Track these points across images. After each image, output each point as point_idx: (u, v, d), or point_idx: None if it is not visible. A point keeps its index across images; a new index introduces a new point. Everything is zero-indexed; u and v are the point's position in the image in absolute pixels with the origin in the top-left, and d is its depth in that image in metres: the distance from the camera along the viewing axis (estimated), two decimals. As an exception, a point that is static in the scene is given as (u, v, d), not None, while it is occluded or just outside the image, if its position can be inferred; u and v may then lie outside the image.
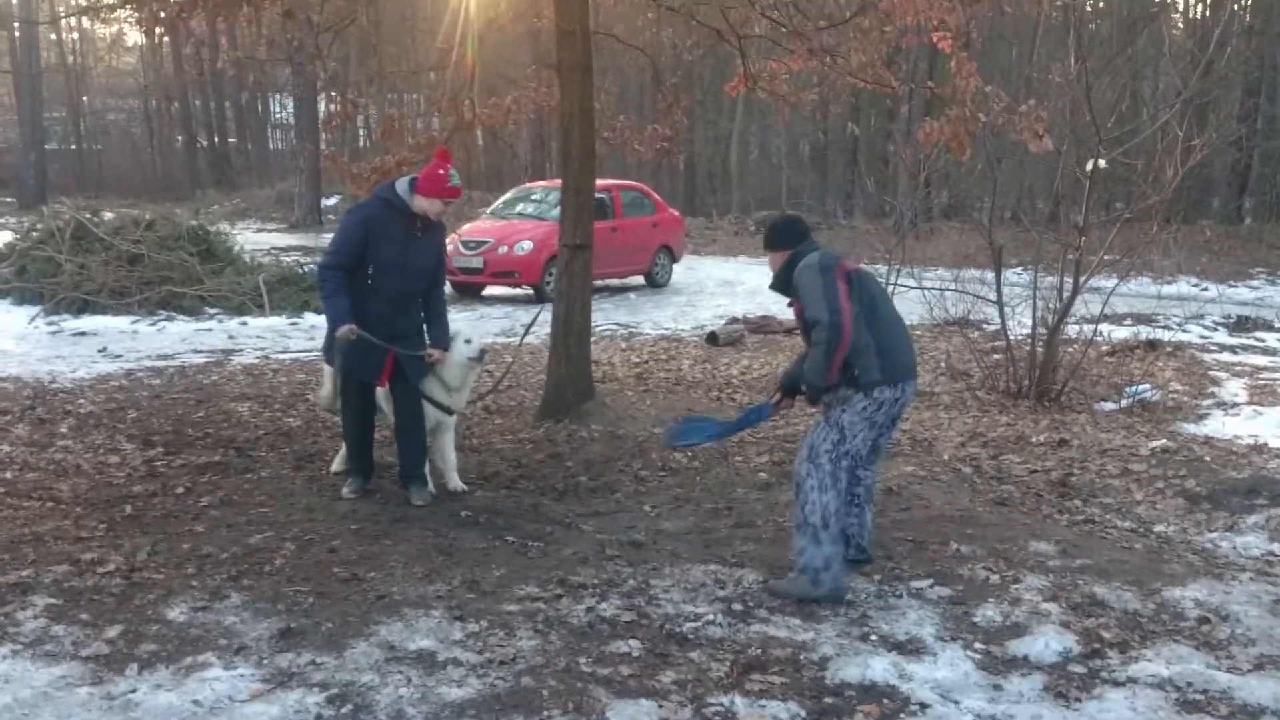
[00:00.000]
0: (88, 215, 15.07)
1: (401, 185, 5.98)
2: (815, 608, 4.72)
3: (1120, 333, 12.16)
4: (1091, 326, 9.69)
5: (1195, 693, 3.96)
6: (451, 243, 16.28)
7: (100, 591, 4.75)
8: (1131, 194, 10.67)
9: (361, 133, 39.28)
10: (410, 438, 6.25)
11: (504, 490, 6.52)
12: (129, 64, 52.72)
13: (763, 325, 13.12)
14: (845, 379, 4.75)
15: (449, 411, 6.43)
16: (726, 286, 18.57)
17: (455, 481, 6.50)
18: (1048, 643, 4.31)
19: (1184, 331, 13.15)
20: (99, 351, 11.51)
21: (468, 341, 6.36)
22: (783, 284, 4.96)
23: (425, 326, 6.23)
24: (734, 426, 5.79)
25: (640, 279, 18.56)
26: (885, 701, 3.90)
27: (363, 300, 5.89)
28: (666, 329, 13.75)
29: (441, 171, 5.91)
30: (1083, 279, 9.04)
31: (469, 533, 5.66)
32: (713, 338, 12.29)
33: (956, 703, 3.90)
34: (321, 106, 31.15)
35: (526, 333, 9.13)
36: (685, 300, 17.06)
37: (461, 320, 13.86)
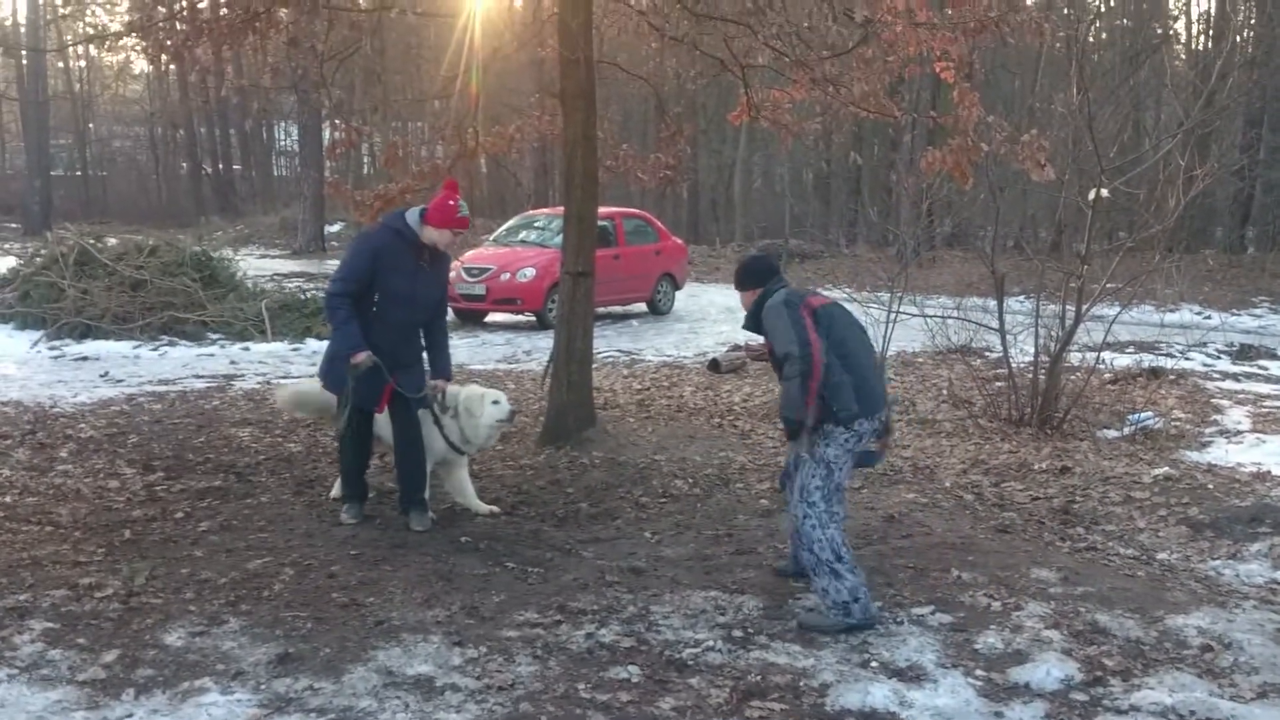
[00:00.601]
0: (91, 241, 15.12)
1: (411, 216, 6.00)
2: (815, 635, 4.70)
3: (1123, 360, 12.15)
4: (1094, 354, 9.69)
5: (1198, 721, 3.94)
6: (454, 270, 16.31)
7: (98, 616, 4.74)
8: (1134, 223, 10.67)
9: (366, 160, 39.40)
10: (409, 464, 6.25)
11: (504, 516, 6.50)
12: (135, 92, 52.95)
13: (765, 353, 13.09)
14: (825, 416, 4.77)
15: (460, 452, 6.44)
16: (729, 314, 18.55)
17: (481, 506, 6.54)
18: (1049, 670, 4.29)
19: (1187, 359, 13.14)
20: (101, 376, 11.51)
21: (496, 403, 6.40)
22: (754, 322, 5.08)
23: (427, 355, 6.25)
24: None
25: (643, 306, 18.58)
26: (886, 729, 3.88)
27: (366, 328, 5.91)
28: (669, 356, 13.75)
29: (451, 203, 5.95)
30: (1085, 307, 9.05)
31: (468, 558, 5.65)
32: (715, 365, 12.28)
33: (958, 730, 3.88)
34: (326, 134, 31.30)
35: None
36: (687, 328, 17.07)
37: (464, 347, 13.89)
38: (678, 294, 19.34)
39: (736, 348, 13.46)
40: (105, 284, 14.22)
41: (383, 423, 6.35)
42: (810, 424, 4.75)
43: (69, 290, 14.06)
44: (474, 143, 9.07)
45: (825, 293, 5.43)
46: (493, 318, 17.26)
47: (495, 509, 6.55)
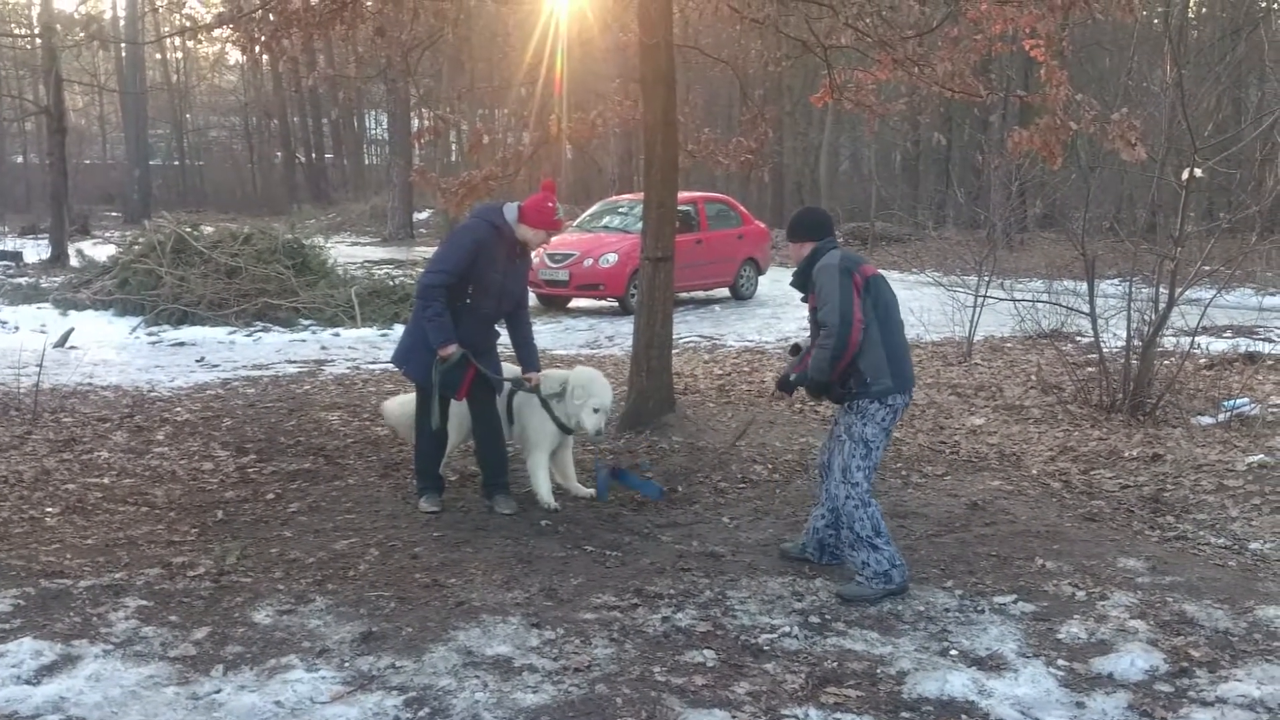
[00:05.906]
0: (188, 229, 15.54)
1: (509, 211, 6.06)
2: (895, 621, 4.66)
3: (1218, 345, 11.80)
4: (1189, 339, 9.43)
5: (1289, 716, 3.83)
6: (537, 255, 16.42)
7: (190, 594, 4.89)
8: (1232, 203, 10.36)
9: (454, 147, 39.85)
10: (491, 449, 6.33)
11: (583, 500, 6.54)
12: (230, 82, 54.25)
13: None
14: (860, 390, 4.88)
15: (568, 431, 6.48)
16: (813, 299, 18.42)
17: (581, 489, 6.61)
18: (1134, 660, 4.20)
19: (1287, 344, 12.71)
20: (197, 361, 11.84)
21: (596, 410, 6.30)
22: (802, 279, 5.08)
23: (515, 351, 6.36)
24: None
25: (726, 291, 18.53)
26: (964, 717, 3.84)
27: (456, 319, 5.99)
28: (750, 341, 13.69)
29: (550, 205, 6.05)
30: (1179, 290, 8.80)
31: (548, 541, 5.71)
32: (796, 350, 12.12)
33: (1037, 720, 3.82)
34: (415, 123, 31.70)
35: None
36: (770, 313, 16.97)
37: (547, 332, 13.99)
38: (760, 279, 19.24)
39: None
40: (201, 271, 14.62)
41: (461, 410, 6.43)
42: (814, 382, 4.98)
43: (166, 277, 14.49)
44: (557, 129, 9.13)
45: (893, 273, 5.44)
46: (576, 303, 17.36)
47: (591, 492, 6.58)
